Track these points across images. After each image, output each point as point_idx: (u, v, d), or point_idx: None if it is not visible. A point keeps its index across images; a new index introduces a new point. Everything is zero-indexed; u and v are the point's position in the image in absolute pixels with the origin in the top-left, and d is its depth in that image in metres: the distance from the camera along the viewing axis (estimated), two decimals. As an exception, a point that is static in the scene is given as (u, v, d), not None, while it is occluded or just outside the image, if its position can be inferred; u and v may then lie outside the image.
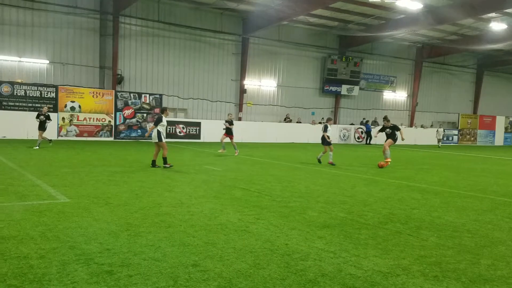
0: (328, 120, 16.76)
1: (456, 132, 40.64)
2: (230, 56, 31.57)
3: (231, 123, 18.49)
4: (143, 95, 26.71)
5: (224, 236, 5.64)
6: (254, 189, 9.48)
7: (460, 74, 43.05)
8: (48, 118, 18.69)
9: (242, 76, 31.80)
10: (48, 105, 21.85)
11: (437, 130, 34.08)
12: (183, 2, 28.33)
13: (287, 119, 33.20)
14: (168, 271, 4.33)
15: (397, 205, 8.34)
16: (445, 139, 37.87)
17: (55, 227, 5.74)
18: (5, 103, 22.52)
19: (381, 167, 15.16)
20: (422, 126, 38.90)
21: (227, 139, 18.38)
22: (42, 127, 18.51)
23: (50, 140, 19.52)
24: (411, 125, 40.13)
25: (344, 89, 36.05)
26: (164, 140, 12.90)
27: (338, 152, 15.81)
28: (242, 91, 31.94)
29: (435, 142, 34.20)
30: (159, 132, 12.78)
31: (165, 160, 12.83)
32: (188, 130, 27.98)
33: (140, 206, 7.29)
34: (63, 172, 10.96)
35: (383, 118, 16.57)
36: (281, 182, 10.81)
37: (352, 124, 36.14)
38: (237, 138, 29.41)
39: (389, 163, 15.48)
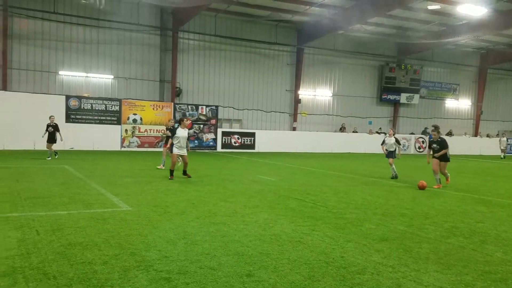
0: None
1: (525, 141, 38.11)
2: (284, 67, 31.72)
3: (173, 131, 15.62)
4: (200, 107, 27.42)
5: (278, 247, 5.63)
6: (309, 200, 9.40)
7: (529, 80, 40.54)
8: (56, 128, 17.40)
9: (296, 86, 31.82)
10: (52, 116, 18.16)
11: (499, 140, 32.07)
12: (239, 16, 28.89)
13: (342, 129, 32.71)
14: (223, 280, 4.39)
15: (460, 218, 7.96)
16: (510, 149, 35.56)
17: (118, 234, 6.00)
18: (73, 116, 23.93)
19: (422, 188, 11.87)
20: (487, 136, 36.85)
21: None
22: (52, 139, 17.36)
23: (52, 154, 17.51)
24: (475, 134, 38.20)
25: (403, 97, 35.08)
26: (175, 152, 12.42)
27: (397, 162, 15.29)
28: (297, 101, 31.94)
29: (500, 153, 32.25)
30: (172, 144, 12.69)
31: (171, 172, 12.36)
32: (243, 140, 28.32)
33: (196, 215, 7.46)
34: (125, 182, 11.44)
35: (433, 128, 12.81)
36: (337, 193, 10.65)
37: (412, 133, 34.93)
38: (291, 148, 29.93)
39: (441, 187, 12.52)
